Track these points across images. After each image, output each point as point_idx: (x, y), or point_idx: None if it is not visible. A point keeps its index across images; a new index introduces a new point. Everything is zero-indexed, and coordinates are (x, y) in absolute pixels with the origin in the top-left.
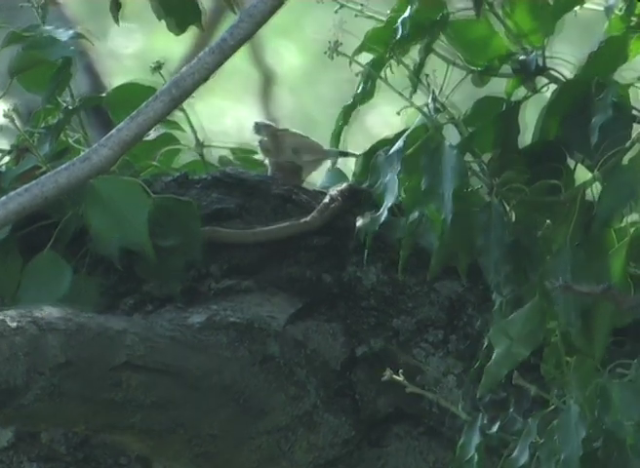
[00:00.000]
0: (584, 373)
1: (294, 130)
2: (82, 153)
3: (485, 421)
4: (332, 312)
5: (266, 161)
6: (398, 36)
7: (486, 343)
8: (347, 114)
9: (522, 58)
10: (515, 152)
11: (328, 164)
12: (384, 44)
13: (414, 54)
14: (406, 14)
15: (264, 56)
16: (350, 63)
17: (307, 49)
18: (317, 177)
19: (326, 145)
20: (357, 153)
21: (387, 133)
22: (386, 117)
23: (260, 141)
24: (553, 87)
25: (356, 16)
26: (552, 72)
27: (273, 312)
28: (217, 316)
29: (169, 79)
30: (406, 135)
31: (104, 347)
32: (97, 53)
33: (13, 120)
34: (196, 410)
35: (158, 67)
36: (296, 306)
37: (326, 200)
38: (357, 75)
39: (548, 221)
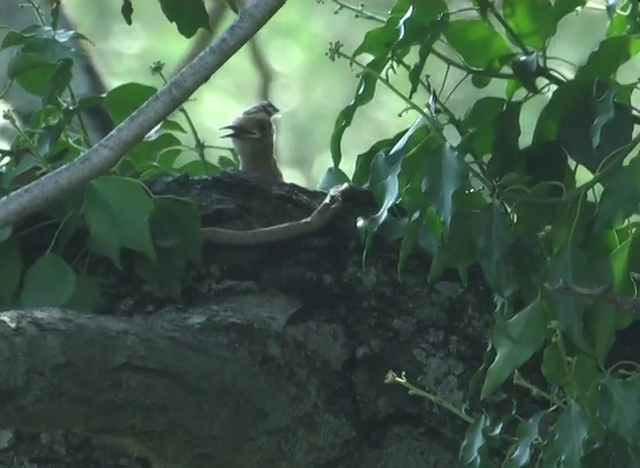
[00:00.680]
0: (586, 374)
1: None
2: (82, 154)
3: (488, 423)
4: (332, 313)
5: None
6: (400, 37)
7: (490, 346)
8: (349, 115)
9: (522, 58)
10: (515, 153)
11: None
12: (385, 45)
13: (414, 54)
14: (407, 15)
15: (265, 55)
16: (351, 64)
17: (310, 48)
18: (317, 178)
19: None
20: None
21: (397, 129)
22: (396, 113)
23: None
24: (554, 87)
25: (357, 16)
26: (553, 73)
27: (273, 313)
28: (217, 317)
29: (169, 79)
30: (406, 136)
31: (104, 348)
32: (98, 53)
33: (13, 121)
34: (196, 411)
35: (158, 68)
36: (296, 307)
37: (326, 201)
38: (358, 76)
39: (549, 224)
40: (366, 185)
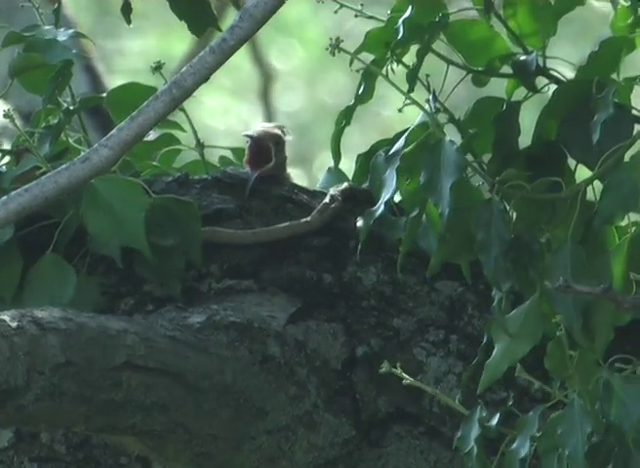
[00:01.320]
0: (587, 367)
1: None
2: (82, 153)
3: (484, 414)
4: (332, 312)
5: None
6: (399, 37)
7: (485, 339)
8: (348, 115)
9: (522, 58)
10: (515, 153)
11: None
12: (385, 44)
13: (414, 54)
14: (406, 14)
15: (266, 54)
16: (351, 63)
17: (312, 47)
18: (318, 177)
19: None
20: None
21: (403, 126)
22: (397, 112)
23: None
24: (554, 87)
25: (356, 16)
26: (552, 72)
27: (273, 312)
28: (217, 316)
29: (170, 78)
30: (406, 134)
31: (105, 347)
32: (99, 52)
33: (13, 120)
34: (196, 410)
35: (158, 67)
36: (296, 306)
37: (326, 200)
38: (358, 71)
39: (549, 220)
40: (366, 185)
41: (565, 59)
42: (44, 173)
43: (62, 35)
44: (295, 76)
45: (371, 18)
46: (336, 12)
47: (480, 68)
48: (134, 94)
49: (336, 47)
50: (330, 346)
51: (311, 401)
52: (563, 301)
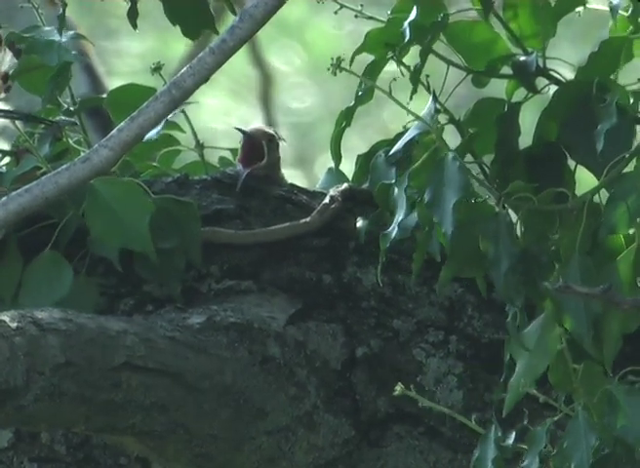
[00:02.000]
0: (592, 380)
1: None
2: (82, 154)
3: (499, 434)
4: (332, 313)
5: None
6: (406, 39)
7: (507, 358)
8: (348, 116)
9: (522, 58)
10: (515, 154)
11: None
12: (385, 45)
13: (412, 54)
14: (412, 16)
15: (266, 55)
16: (359, 86)
17: (312, 47)
18: (319, 178)
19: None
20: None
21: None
22: (396, 112)
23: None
24: (554, 88)
25: (356, 16)
26: (553, 73)
27: (273, 313)
28: (217, 316)
29: (169, 79)
30: (407, 137)
31: (104, 347)
32: (98, 52)
33: (13, 121)
34: (196, 411)
35: (158, 68)
36: (296, 307)
37: (326, 200)
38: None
39: (556, 231)
40: (365, 185)
41: (565, 60)
42: (44, 173)
43: (62, 36)
44: (295, 77)
45: (371, 18)
46: (335, 12)
47: (480, 69)
48: (133, 94)
49: (337, 67)
50: (330, 347)
51: (311, 401)
52: (575, 312)
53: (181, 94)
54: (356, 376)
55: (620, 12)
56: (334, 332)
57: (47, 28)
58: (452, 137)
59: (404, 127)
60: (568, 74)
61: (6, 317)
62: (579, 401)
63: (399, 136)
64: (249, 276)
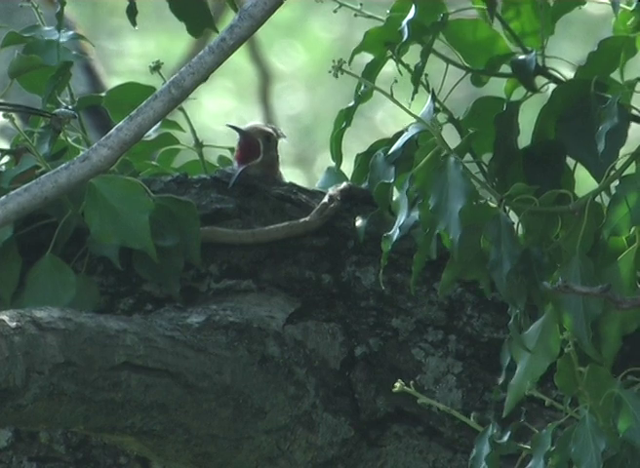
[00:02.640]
0: (598, 383)
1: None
2: (82, 153)
3: (495, 431)
4: (331, 312)
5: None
6: (404, 38)
7: (507, 360)
8: (349, 116)
9: (521, 57)
10: (514, 152)
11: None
12: (384, 44)
13: (411, 53)
14: (410, 15)
15: (265, 54)
16: (357, 88)
17: (313, 47)
18: (319, 177)
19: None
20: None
21: (396, 129)
22: (396, 113)
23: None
24: (553, 86)
25: (355, 15)
26: (552, 72)
27: (272, 312)
28: (216, 316)
29: (168, 78)
30: (406, 137)
31: (104, 347)
32: (98, 52)
33: (12, 120)
34: (195, 410)
35: (157, 67)
36: (295, 306)
37: (325, 200)
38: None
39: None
40: (364, 185)
41: (564, 59)
42: (43, 172)
43: (62, 36)
44: (295, 77)
45: (370, 17)
46: (335, 11)
47: (479, 68)
48: (132, 93)
49: (338, 69)
50: (329, 346)
51: (310, 400)
52: (574, 313)
53: (181, 93)
54: (355, 376)
55: (622, 6)
56: (333, 332)
57: (47, 28)
58: (450, 136)
59: (405, 130)
60: (567, 73)
61: (5, 316)
62: (584, 404)
63: (398, 135)
64: (248, 275)
